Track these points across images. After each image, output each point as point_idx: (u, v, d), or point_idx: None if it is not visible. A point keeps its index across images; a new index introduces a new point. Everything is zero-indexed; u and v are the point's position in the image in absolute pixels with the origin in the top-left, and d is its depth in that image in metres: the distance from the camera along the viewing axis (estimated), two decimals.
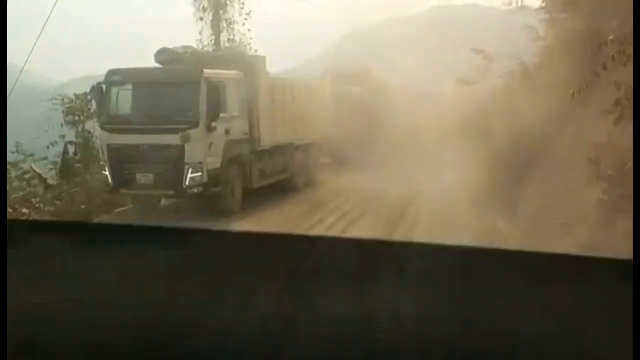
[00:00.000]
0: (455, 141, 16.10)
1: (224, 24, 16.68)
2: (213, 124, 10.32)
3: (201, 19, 16.68)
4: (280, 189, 13.50)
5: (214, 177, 10.50)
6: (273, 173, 12.87)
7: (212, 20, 16.71)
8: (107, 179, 10.55)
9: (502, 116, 11.98)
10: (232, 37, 16.47)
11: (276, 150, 13.06)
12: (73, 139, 13.60)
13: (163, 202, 11.72)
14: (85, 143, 13.31)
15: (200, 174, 10.17)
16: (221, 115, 10.54)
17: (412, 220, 10.84)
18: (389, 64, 28.25)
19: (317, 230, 9.93)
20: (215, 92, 10.28)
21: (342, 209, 11.89)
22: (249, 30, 16.62)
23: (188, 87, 10.26)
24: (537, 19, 13.66)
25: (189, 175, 10.10)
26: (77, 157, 13.38)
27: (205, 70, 10.35)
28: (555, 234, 8.36)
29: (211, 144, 10.40)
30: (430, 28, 37.05)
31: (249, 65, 11.82)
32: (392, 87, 21.94)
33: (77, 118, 13.50)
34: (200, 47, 15.46)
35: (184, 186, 10.14)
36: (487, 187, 11.38)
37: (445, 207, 11.53)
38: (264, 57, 12.66)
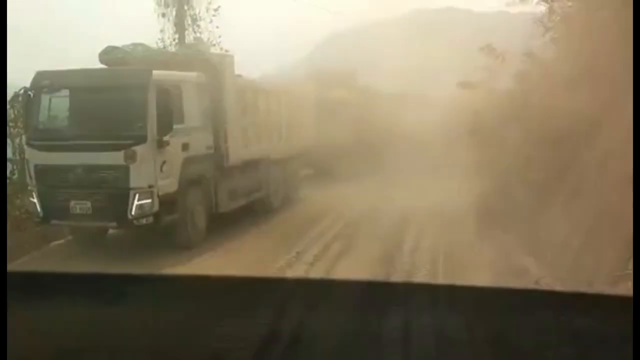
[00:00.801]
0: (458, 150, 14.25)
1: (189, 21, 14.60)
2: (166, 137, 8.24)
3: (163, 15, 14.59)
4: (253, 210, 11.45)
5: (169, 204, 8.42)
6: (245, 193, 10.81)
7: (176, 17, 14.61)
8: (36, 207, 8.40)
9: (517, 122, 10.09)
10: (198, 35, 14.40)
11: (248, 166, 11.01)
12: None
13: (111, 231, 9.59)
14: (21, 161, 11.09)
15: (149, 200, 8.06)
16: (177, 126, 8.47)
17: (412, 252, 8.84)
18: (375, 66, 26.49)
19: (295, 271, 7.91)
20: (168, 98, 8.19)
21: (326, 237, 9.83)
22: (217, 27, 14.56)
23: (133, 92, 8.15)
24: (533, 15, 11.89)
25: (136, 202, 7.99)
26: (15, 178, 11.18)
27: (155, 72, 8.26)
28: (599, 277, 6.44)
29: (164, 162, 8.31)
30: (419, 30, 35.60)
31: (213, 65, 9.74)
32: (380, 91, 20.05)
33: (12, 130, 11.29)
34: (162, 47, 13.35)
35: (130, 216, 8.02)
36: (501, 209, 9.46)
37: (451, 233, 9.58)
38: (231, 57, 10.59)
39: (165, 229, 8.60)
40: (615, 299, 1.25)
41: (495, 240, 8.87)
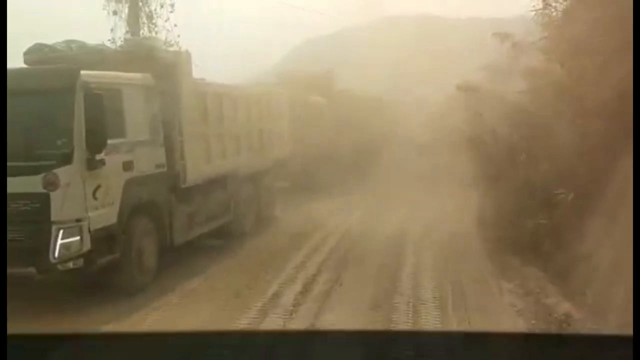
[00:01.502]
0: (454, 158, 12.67)
1: (144, 19, 12.71)
2: (100, 155, 6.36)
3: (115, 12, 12.66)
4: (218, 237, 9.58)
5: (106, 241, 6.50)
6: (208, 218, 8.93)
7: (129, 14, 12.70)
8: None
9: (526, 129, 8.46)
10: (154, 34, 12.49)
11: (213, 185, 9.15)
12: None
13: None
14: None
15: (77, 238, 6.13)
16: (115, 141, 6.59)
17: (414, 292, 7.06)
18: (354, 70, 24.87)
19: (271, 321, 6.08)
20: (102, 105, 6.30)
21: (307, 271, 8.02)
22: (175, 26, 12.68)
23: (55, 98, 6.23)
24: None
25: (60, 241, 6.05)
26: None
27: (85, 72, 6.36)
28: None
29: (98, 188, 6.40)
30: (399, 36, 34.20)
31: (165, 65, 7.88)
32: (359, 95, 18.34)
33: None
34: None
35: (52, 260, 6.09)
36: (516, 233, 7.80)
37: (459, 264, 7.87)
38: (187, 54, 8.72)
39: (103, 272, 6.68)
40: None
41: (515, 272, 7.18)
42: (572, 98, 7.10)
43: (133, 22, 12.70)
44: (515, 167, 8.01)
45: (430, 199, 12.76)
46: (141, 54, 7.79)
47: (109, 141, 6.45)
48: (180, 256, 8.16)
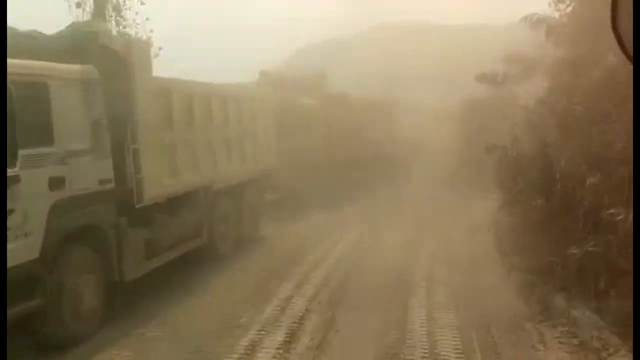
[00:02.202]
0: (466, 167, 11.16)
1: (111, 11, 11.07)
2: (12, 171, 4.73)
3: (78, 5, 11.00)
4: (189, 262, 7.92)
5: (22, 283, 4.88)
6: (173, 244, 7.26)
7: (95, 6, 11.05)
8: None
9: (558, 132, 6.87)
10: (122, 29, 10.86)
11: (180, 203, 7.52)
12: None
13: None
14: None
15: None
16: (36, 150, 4.97)
17: (430, 343, 5.40)
18: (346, 75, 23.37)
19: None
20: (12, 104, 4.68)
21: (293, 311, 6.36)
22: (147, 19, 11.04)
23: None
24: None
25: None
26: None
27: None
28: None
29: (10, 214, 4.77)
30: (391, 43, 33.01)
31: (115, 55, 6.26)
32: (354, 98, 16.72)
33: None
34: None
35: None
36: (553, 266, 6.16)
37: (481, 300, 6.24)
38: (145, 43, 7.11)
39: (26, 323, 5.02)
40: None
41: (560, 315, 5.54)
42: (625, 94, 5.49)
43: (98, 15, 11.05)
44: (549, 179, 6.39)
45: (440, 215, 11.17)
46: (83, 42, 6.14)
47: (25, 151, 4.81)
48: (137, 294, 6.49)
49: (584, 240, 5.63)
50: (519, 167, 7.19)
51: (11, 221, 4.72)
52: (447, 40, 33.19)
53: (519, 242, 7.25)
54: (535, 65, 9.27)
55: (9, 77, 4.64)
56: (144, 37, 10.79)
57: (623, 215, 5.22)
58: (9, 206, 4.68)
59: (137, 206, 6.38)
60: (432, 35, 34.73)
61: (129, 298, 6.33)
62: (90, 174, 5.70)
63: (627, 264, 5.13)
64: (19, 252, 4.78)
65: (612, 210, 5.41)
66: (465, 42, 32.09)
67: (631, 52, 1.15)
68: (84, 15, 11.03)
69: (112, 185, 6.02)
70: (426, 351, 5.08)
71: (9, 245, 4.66)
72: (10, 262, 4.64)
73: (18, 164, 4.74)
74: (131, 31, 11.03)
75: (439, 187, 14.02)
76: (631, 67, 1.25)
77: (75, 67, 5.75)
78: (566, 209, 6.08)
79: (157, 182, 6.69)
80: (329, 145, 14.35)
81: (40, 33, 6.30)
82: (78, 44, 6.08)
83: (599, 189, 5.71)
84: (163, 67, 9.36)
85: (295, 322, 5.93)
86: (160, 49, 11.34)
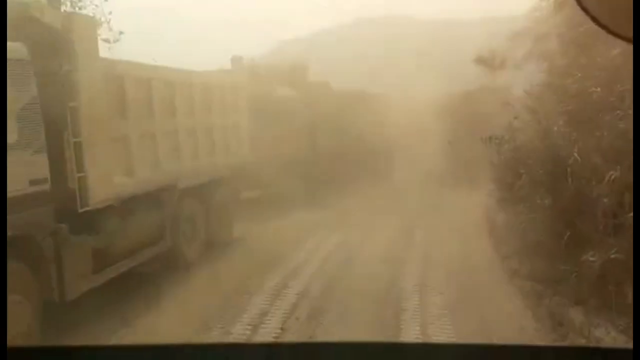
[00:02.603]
0: (453, 164, 10.37)
1: None
2: None
3: None
4: (148, 272, 6.95)
5: None
6: (129, 251, 6.30)
7: None
8: None
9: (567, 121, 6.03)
10: (78, 10, 9.79)
11: (137, 204, 6.54)
12: None
13: None
14: None
15: None
16: None
17: None
18: (329, 66, 22.48)
19: None
20: None
21: (268, 326, 5.45)
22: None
23: None
24: None
25: None
26: None
27: None
28: None
29: None
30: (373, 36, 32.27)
31: (49, 32, 5.26)
32: (337, 89, 15.80)
33: None
34: None
35: None
36: (567, 275, 5.32)
37: (489, 322, 5.38)
38: (91, 20, 6.10)
39: None
40: None
41: (578, 334, 4.70)
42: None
43: None
44: (559, 174, 5.55)
45: (431, 213, 10.33)
46: (11, 17, 5.11)
47: None
48: (83, 314, 5.52)
49: (603, 245, 4.79)
50: (521, 160, 6.36)
51: None
52: (431, 35, 32.69)
53: (522, 245, 6.42)
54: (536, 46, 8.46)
55: None
56: (103, 20, 9.77)
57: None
58: None
59: (80, 210, 5.40)
60: (418, 28, 34.18)
61: (69, 321, 5.35)
62: (17, 174, 4.71)
63: None
64: None
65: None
66: (449, 37, 31.57)
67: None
68: None
69: (47, 186, 5.03)
70: None
71: None
72: None
73: None
74: (88, 12, 10.00)
75: (428, 182, 13.19)
76: None
77: None
78: (579, 209, 5.25)
79: (105, 181, 5.72)
80: (310, 139, 13.45)
81: None
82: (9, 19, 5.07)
83: (619, 185, 4.89)
84: (126, 53, 8.39)
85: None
86: (121, 33, 10.33)
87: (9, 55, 4.76)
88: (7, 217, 4.54)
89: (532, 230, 6.00)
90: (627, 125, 5.08)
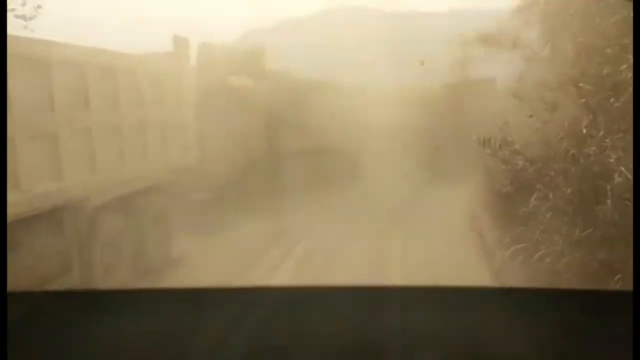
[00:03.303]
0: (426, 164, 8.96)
1: None
2: None
3: None
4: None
5: None
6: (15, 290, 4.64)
7: None
8: None
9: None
10: None
11: (30, 228, 4.84)
12: None
13: None
14: None
15: None
16: None
17: None
18: (291, 56, 20.83)
19: None
20: None
21: None
22: None
23: None
24: None
25: None
26: None
27: None
28: None
29: None
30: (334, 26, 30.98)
31: None
32: (301, 79, 14.15)
33: None
34: None
35: None
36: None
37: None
38: None
39: None
40: None
41: None
42: None
43: None
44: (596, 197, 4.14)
45: (405, 219, 8.90)
46: None
47: None
48: None
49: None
50: (534, 171, 4.93)
51: None
52: (403, 25, 31.73)
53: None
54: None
55: None
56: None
57: None
58: None
59: None
60: (388, 20, 33.12)
61: None
62: None
63: None
64: None
65: None
66: (421, 27, 30.63)
67: None
68: None
69: None
70: None
71: None
72: None
73: None
74: None
75: (399, 184, 11.78)
76: None
77: None
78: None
79: None
80: (268, 134, 11.83)
81: None
82: None
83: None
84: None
85: None
86: (38, 7, 8.42)
87: None
88: None
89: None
90: None
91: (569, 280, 4.02)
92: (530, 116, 5.02)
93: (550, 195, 4.51)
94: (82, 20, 8.42)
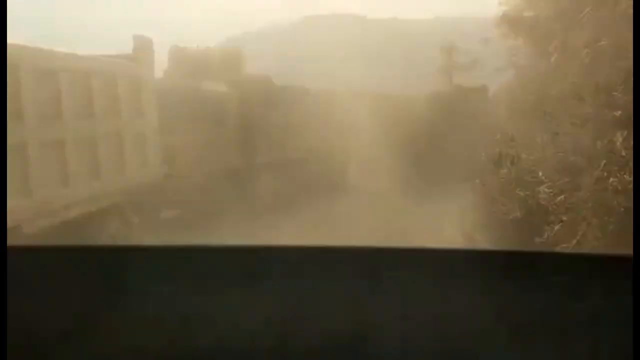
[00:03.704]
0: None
1: None
2: None
3: None
4: None
5: None
6: None
7: None
8: None
9: None
10: None
11: None
12: None
13: None
14: None
15: None
16: None
17: None
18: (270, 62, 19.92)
19: None
20: None
21: None
22: None
23: None
24: None
25: None
26: None
27: None
28: None
29: None
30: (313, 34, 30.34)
31: None
32: (281, 86, 13.18)
33: None
34: None
35: None
36: None
37: None
38: None
39: None
40: None
41: None
42: None
43: None
44: None
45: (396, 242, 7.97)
46: None
47: None
48: None
49: None
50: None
51: None
52: (388, 33, 31.43)
53: None
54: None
55: None
56: None
57: None
58: None
59: None
60: (372, 27, 32.61)
61: None
62: None
63: None
64: None
65: None
66: (407, 35, 30.38)
67: None
68: None
69: None
70: None
71: None
72: None
73: None
74: None
75: (385, 201, 10.89)
76: None
77: None
78: None
79: None
80: (246, 145, 10.88)
81: None
82: None
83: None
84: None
85: None
86: None
87: None
88: None
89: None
90: None
91: None
92: (556, 134, 4.16)
93: (579, 232, 3.65)
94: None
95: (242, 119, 10.81)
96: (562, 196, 3.80)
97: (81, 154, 5.60)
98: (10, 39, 4.36)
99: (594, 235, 3.57)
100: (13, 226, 4.50)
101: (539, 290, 1.01)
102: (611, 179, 3.45)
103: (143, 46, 6.81)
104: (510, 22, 9.79)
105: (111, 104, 5.95)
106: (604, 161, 3.70)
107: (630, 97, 3.97)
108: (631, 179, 3.57)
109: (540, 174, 4.11)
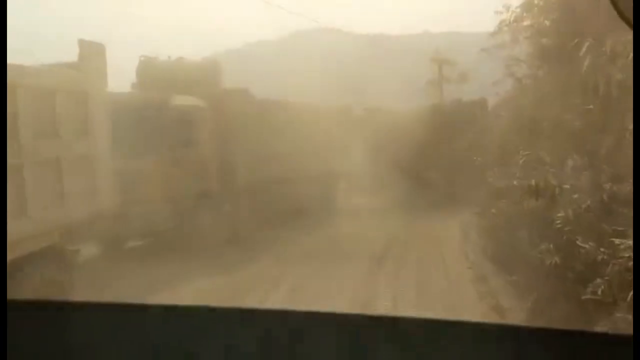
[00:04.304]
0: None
1: None
2: None
3: None
4: None
5: None
6: None
7: None
8: None
9: None
10: None
11: None
12: None
13: None
14: None
15: None
16: None
17: None
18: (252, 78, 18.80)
19: None
20: None
21: None
22: None
23: None
24: None
25: None
26: None
27: None
28: None
29: None
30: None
31: None
32: (260, 99, 12.10)
33: None
34: None
35: None
36: None
37: None
38: None
39: None
40: None
41: None
42: None
43: None
44: None
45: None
46: None
47: None
48: None
49: None
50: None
51: None
52: (377, 47, 31.20)
53: None
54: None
55: None
56: None
57: None
58: None
59: None
60: (357, 42, 32.16)
61: None
62: None
63: None
64: None
65: None
66: (397, 49, 30.09)
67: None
68: None
69: None
70: None
71: None
72: None
73: None
74: None
75: (379, 229, 9.84)
76: None
77: None
78: None
79: None
80: (223, 166, 9.81)
81: None
82: None
83: None
84: None
85: None
86: None
87: None
88: None
89: None
90: None
91: None
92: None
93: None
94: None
95: (218, 135, 9.74)
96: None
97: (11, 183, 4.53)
98: None
99: None
100: None
101: None
102: None
103: (91, 52, 5.72)
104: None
105: (47, 122, 4.88)
106: None
107: None
108: None
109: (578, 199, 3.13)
